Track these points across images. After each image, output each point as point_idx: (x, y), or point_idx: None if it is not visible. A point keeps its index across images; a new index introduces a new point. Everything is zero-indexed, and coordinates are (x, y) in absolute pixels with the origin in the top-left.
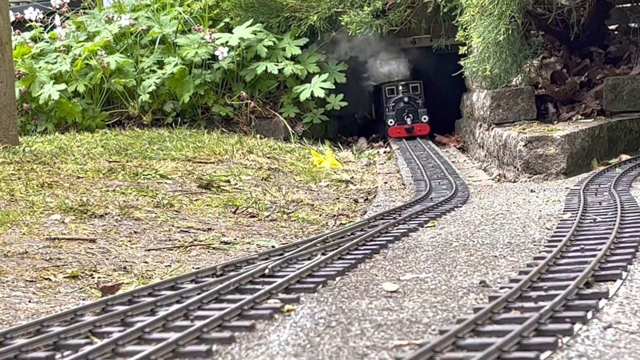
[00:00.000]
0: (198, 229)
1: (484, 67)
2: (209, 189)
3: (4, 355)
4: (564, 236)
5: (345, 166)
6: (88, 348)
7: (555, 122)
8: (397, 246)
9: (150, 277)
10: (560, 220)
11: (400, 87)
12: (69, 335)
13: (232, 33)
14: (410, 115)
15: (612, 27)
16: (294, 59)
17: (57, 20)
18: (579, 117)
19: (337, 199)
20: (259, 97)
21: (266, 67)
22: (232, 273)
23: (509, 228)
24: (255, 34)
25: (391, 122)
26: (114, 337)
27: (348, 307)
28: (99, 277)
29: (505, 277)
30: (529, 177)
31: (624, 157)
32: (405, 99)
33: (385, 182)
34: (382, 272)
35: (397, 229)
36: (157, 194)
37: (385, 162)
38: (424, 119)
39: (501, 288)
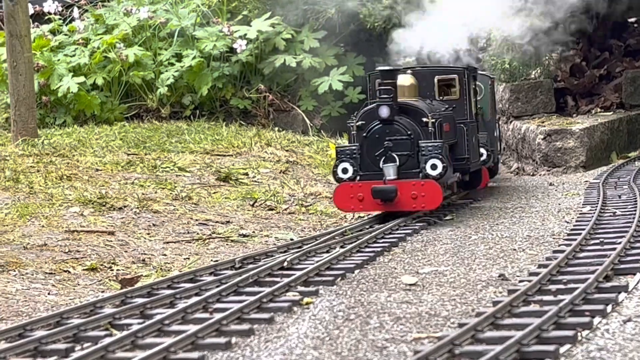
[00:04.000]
0: (216, 222)
1: (502, 59)
2: (227, 181)
3: (24, 346)
4: (584, 229)
5: None
6: (108, 340)
7: (574, 115)
8: (415, 239)
9: (169, 270)
10: (580, 214)
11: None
12: (88, 327)
13: (251, 26)
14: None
15: (632, 19)
16: (312, 51)
17: (76, 12)
18: (598, 110)
19: None
20: (277, 90)
21: (284, 60)
22: (250, 266)
23: (527, 221)
24: (273, 27)
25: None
26: (133, 329)
27: (367, 300)
28: (117, 270)
29: (525, 270)
30: (547, 170)
31: None
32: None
33: None
34: (401, 265)
35: (415, 222)
36: (175, 187)
37: None
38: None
39: (520, 281)
